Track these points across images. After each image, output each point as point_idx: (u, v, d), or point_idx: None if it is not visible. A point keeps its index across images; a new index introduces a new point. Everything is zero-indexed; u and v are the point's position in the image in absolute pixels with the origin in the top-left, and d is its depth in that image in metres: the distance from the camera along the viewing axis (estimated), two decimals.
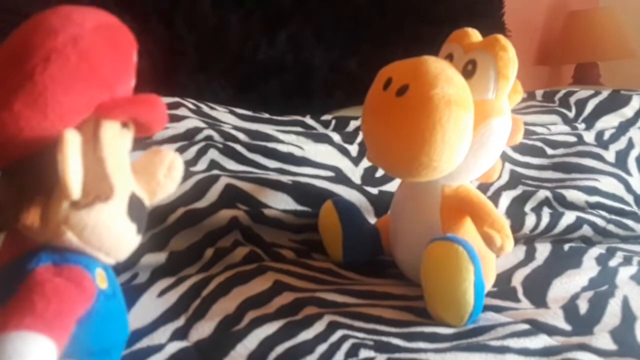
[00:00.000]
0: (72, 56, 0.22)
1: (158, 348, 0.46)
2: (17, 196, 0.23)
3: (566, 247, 0.75)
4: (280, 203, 0.72)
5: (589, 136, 0.99)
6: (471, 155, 0.54)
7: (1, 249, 0.25)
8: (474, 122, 0.53)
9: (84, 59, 0.23)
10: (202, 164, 0.73)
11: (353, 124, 0.91)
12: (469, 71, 0.56)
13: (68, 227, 0.23)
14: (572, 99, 1.08)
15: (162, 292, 0.56)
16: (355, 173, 0.81)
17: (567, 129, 1.00)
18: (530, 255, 0.72)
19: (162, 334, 0.49)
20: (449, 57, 0.59)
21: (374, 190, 0.78)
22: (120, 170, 0.25)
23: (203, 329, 0.50)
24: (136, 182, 0.27)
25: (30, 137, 0.22)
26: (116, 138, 0.25)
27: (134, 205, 0.25)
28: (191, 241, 0.65)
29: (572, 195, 0.84)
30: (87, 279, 0.24)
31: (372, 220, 0.74)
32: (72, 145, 0.21)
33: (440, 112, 0.50)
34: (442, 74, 0.51)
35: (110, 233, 0.24)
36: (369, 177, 0.82)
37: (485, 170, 0.59)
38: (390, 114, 0.52)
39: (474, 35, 0.59)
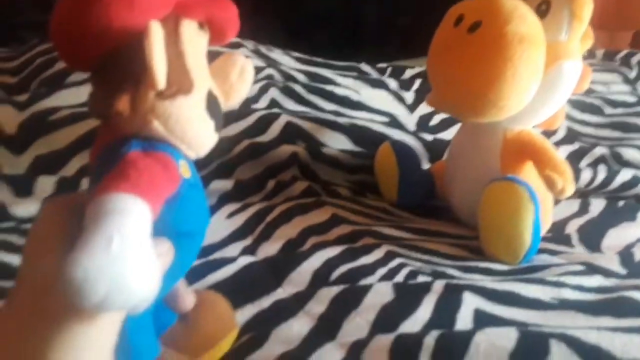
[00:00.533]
0: None
1: (230, 260, 0.49)
2: (109, 88, 0.25)
3: (620, 203, 0.75)
4: (337, 143, 0.73)
5: None
6: (538, 97, 0.54)
7: (97, 139, 0.27)
8: (545, 63, 0.52)
9: None
10: (263, 102, 0.75)
11: (409, 72, 0.91)
12: (542, 11, 0.55)
13: (154, 116, 0.24)
14: (634, 60, 1.05)
15: (230, 215, 0.59)
16: (409, 120, 0.82)
17: (627, 88, 0.98)
18: (584, 208, 0.71)
19: (232, 249, 0.52)
20: None
21: (428, 137, 0.79)
22: (199, 68, 0.26)
23: (269, 249, 0.53)
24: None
25: (119, 29, 0.23)
26: (194, 36, 0.26)
27: (212, 102, 0.26)
28: (255, 172, 0.67)
29: (628, 153, 0.82)
30: (173, 164, 0.25)
31: (426, 166, 0.75)
32: (157, 35, 0.23)
33: (513, 49, 0.50)
34: (516, 11, 0.51)
35: (192, 125, 0.25)
36: (423, 124, 0.82)
37: (550, 115, 0.59)
38: (461, 50, 0.52)
39: None
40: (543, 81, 0.54)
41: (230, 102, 0.30)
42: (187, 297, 0.32)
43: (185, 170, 0.26)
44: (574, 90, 0.59)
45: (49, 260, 0.22)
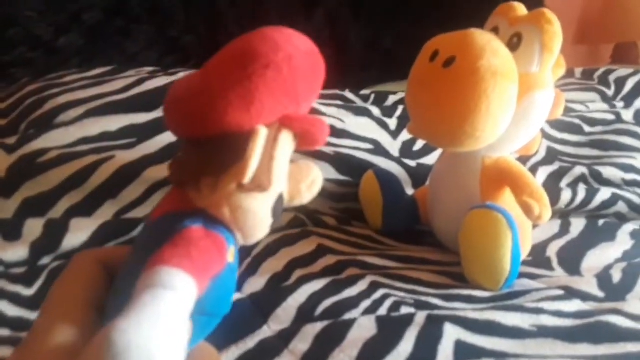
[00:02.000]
0: (284, 70, 0.27)
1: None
2: (200, 163, 0.27)
3: (601, 222, 0.76)
4: (322, 172, 0.74)
5: (628, 114, 0.99)
6: (513, 127, 0.56)
7: (163, 202, 0.29)
8: (518, 94, 0.54)
9: (291, 75, 0.27)
10: None
11: (392, 99, 0.93)
12: (514, 44, 0.57)
13: (227, 203, 0.27)
14: (612, 77, 1.08)
15: None
16: (393, 146, 0.83)
17: (605, 106, 1.00)
18: (565, 229, 0.73)
19: None
20: (495, 30, 0.60)
21: (411, 163, 0.81)
22: (282, 172, 0.28)
23: (255, 284, 0.54)
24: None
25: (231, 122, 0.26)
26: (287, 144, 0.29)
27: (278, 204, 0.29)
28: None
29: (608, 172, 0.85)
30: (225, 248, 0.27)
31: (410, 191, 0.77)
32: (262, 140, 0.26)
33: (486, 83, 0.52)
34: (489, 45, 0.53)
35: (255, 219, 0.27)
36: (406, 150, 0.84)
37: (526, 142, 0.61)
38: (436, 84, 0.54)
39: (520, 8, 0.60)
40: (517, 111, 0.56)
41: (291, 204, 0.32)
42: None
43: (231, 255, 0.28)
44: (548, 117, 0.61)
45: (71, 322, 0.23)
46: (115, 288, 0.27)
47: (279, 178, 0.28)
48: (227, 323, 0.43)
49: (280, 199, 0.29)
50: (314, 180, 0.33)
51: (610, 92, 1.04)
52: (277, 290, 0.52)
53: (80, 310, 0.24)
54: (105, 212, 0.64)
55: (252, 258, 0.59)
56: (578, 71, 1.12)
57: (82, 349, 0.22)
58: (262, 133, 0.26)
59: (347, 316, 0.48)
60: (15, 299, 0.51)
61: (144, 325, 0.20)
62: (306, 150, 0.31)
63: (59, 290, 0.25)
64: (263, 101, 0.27)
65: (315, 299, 0.51)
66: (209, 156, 0.27)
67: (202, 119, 0.27)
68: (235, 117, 0.26)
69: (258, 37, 0.28)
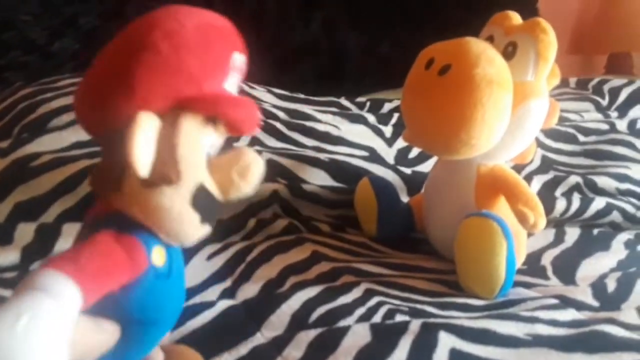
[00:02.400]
0: (164, 49, 0.25)
1: (210, 304, 0.50)
2: (104, 164, 0.26)
3: (595, 231, 0.76)
4: (317, 179, 0.75)
5: (622, 124, 1.00)
6: (508, 135, 0.56)
7: (94, 207, 0.28)
8: (513, 103, 0.55)
9: (174, 53, 0.25)
10: (244, 140, 0.76)
11: (387, 106, 0.93)
12: (509, 53, 0.57)
13: (135, 201, 0.25)
14: (606, 87, 1.09)
15: (211, 256, 0.60)
16: (389, 153, 0.83)
17: (599, 116, 1.01)
18: (559, 238, 0.73)
19: (212, 293, 0.52)
20: (490, 39, 0.60)
21: (407, 170, 0.81)
22: (192, 160, 0.26)
23: (249, 290, 0.54)
24: (211, 175, 0.28)
25: (118, 113, 0.24)
26: (195, 130, 0.26)
27: (200, 196, 0.26)
28: (235, 211, 0.68)
29: (602, 181, 0.85)
30: (140, 253, 0.25)
31: (405, 199, 0.77)
32: (142, 127, 0.23)
33: (481, 92, 0.52)
34: (484, 54, 0.53)
35: (170, 216, 0.25)
36: (402, 157, 0.84)
37: (521, 151, 0.61)
38: (431, 92, 0.54)
39: (515, 17, 0.60)
40: (512, 119, 0.56)
41: (228, 197, 0.29)
42: (156, 356, 0.32)
43: (159, 257, 0.26)
44: (543, 126, 0.61)
45: None
46: None
47: (190, 167, 0.25)
48: (220, 329, 0.43)
49: (200, 189, 0.26)
50: (247, 166, 0.29)
51: (604, 102, 1.05)
52: (270, 297, 0.52)
53: None
54: None
55: (245, 264, 0.59)
56: (572, 81, 1.13)
57: None
58: (141, 119, 0.24)
59: (342, 323, 0.47)
60: None
61: (3, 324, 0.19)
62: (236, 136, 0.28)
63: None
64: (145, 86, 0.24)
65: (309, 305, 0.50)
66: (109, 153, 0.26)
67: (93, 113, 0.25)
68: (121, 107, 0.24)
69: (140, 20, 0.26)
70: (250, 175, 0.29)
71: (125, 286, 0.25)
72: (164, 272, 0.27)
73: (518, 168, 0.84)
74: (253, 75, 1.03)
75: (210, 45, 0.26)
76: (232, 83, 0.28)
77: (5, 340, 0.19)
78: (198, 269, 0.56)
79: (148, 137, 0.24)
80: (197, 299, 0.51)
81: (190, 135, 0.26)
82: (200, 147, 0.27)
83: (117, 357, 0.24)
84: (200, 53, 0.26)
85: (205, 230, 0.28)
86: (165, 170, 0.24)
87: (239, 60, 0.28)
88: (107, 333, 0.25)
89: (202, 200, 0.26)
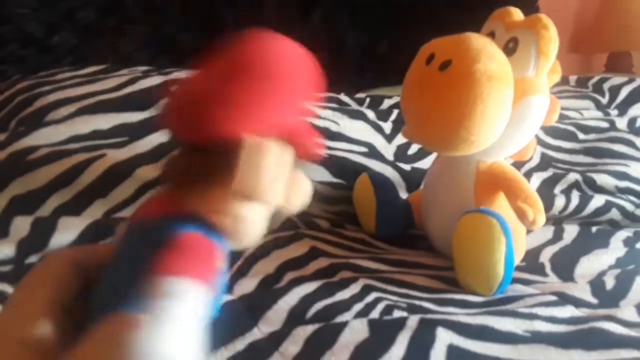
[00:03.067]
0: (283, 83, 0.27)
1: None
2: (200, 167, 0.27)
3: (594, 229, 0.76)
4: (316, 175, 0.74)
5: (622, 122, 0.99)
6: (508, 132, 0.56)
7: (153, 204, 0.28)
8: (513, 99, 0.54)
9: (286, 86, 0.27)
10: None
11: (387, 102, 0.93)
12: (510, 49, 0.57)
13: (226, 211, 0.26)
14: (606, 85, 1.08)
15: None
16: (388, 150, 0.83)
17: (599, 114, 1.00)
18: (558, 235, 0.73)
19: None
20: (491, 35, 0.60)
21: (406, 167, 0.80)
22: (277, 182, 0.28)
23: (246, 285, 0.53)
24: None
25: (231, 130, 0.26)
26: (280, 154, 0.29)
27: (276, 213, 0.29)
28: None
29: (602, 179, 0.85)
30: (220, 256, 0.27)
31: (404, 195, 0.76)
32: (254, 150, 0.25)
33: (482, 87, 0.51)
34: (484, 50, 0.53)
35: (251, 228, 0.27)
36: (401, 154, 0.83)
37: (521, 148, 0.61)
38: (432, 88, 0.54)
39: (516, 13, 0.60)
40: (512, 116, 0.55)
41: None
42: None
43: (221, 260, 0.28)
44: (543, 122, 0.61)
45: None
46: (100, 289, 0.27)
47: (274, 188, 0.28)
48: (217, 325, 0.43)
49: (277, 209, 0.29)
50: (304, 192, 0.33)
51: (604, 100, 1.05)
52: (268, 292, 0.52)
53: (42, 307, 0.23)
54: (95, 211, 0.63)
55: (243, 259, 0.59)
56: (572, 79, 1.12)
57: (45, 346, 0.22)
58: (270, 147, 0.26)
59: (339, 319, 0.47)
60: (1, 298, 0.50)
61: (163, 335, 0.21)
62: (300, 160, 0.30)
63: (22, 287, 0.25)
64: (259, 111, 0.26)
65: (307, 301, 0.50)
66: (211, 163, 0.27)
67: (206, 126, 0.26)
68: (235, 126, 0.26)
69: (256, 46, 0.28)
70: (303, 200, 0.33)
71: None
72: (222, 273, 0.30)
73: (517, 165, 0.84)
74: None
75: (306, 79, 0.29)
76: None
77: (160, 350, 0.20)
78: None
79: (254, 159, 0.26)
80: None
81: (278, 158, 0.28)
82: (283, 170, 0.29)
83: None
84: (300, 88, 0.28)
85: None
86: (257, 189, 0.26)
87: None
88: None
89: (276, 217, 0.29)
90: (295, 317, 0.47)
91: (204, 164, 0.28)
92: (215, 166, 0.26)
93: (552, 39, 0.56)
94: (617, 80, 1.09)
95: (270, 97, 0.27)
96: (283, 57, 0.28)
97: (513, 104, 0.54)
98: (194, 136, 0.28)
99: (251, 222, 0.27)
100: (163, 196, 0.28)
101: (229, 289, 0.53)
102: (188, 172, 0.27)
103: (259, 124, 0.27)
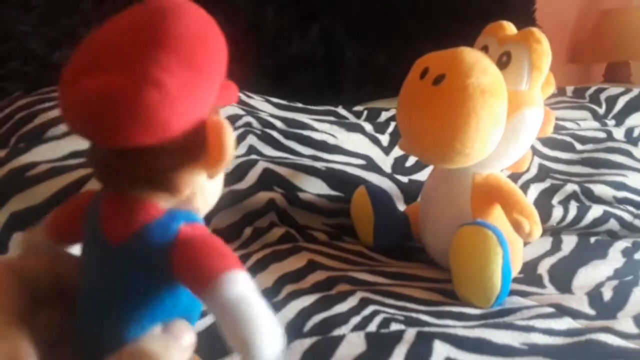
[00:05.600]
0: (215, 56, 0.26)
1: (204, 314, 0.49)
2: (163, 162, 0.25)
3: (592, 239, 0.76)
4: (314, 188, 0.75)
5: (619, 133, 1.00)
6: (503, 144, 0.56)
7: (120, 216, 0.25)
8: (507, 112, 0.55)
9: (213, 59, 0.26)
10: (241, 149, 0.77)
11: (384, 115, 0.94)
12: (503, 62, 0.58)
13: (199, 192, 0.26)
14: (603, 96, 1.09)
15: None
16: (386, 162, 0.84)
17: (596, 124, 1.01)
18: (556, 246, 0.73)
19: None
20: (484, 49, 0.61)
21: (404, 179, 0.81)
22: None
23: None
24: None
25: (186, 120, 0.24)
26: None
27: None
28: (231, 220, 0.68)
29: (599, 189, 0.85)
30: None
31: (402, 207, 0.77)
32: (229, 129, 0.25)
33: (475, 101, 0.52)
34: (478, 64, 0.53)
35: (215, 197, 0.28)
36: (399, 166, 0.84)
37: (516, 160, 0.61)
38: (426, 102, 0.55)
39: (509, 28, 0.61)
40: (507, 128, 0.56)
41: None
42: None
43: None
44: (538, 134, 0.62)
45: None
46: (88, 311, 0.26)
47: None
48: (213, 338, 0.43)
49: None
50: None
51: (601, 111, 1.05)
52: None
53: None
54: None
55: None
56: (569, 89, 1.13)
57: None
58: (224, 123, 0.25)
59: (336, 332, 0.47)
60: None
61: (269, 334, 0.22)
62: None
63: None
64: (201, 94, 0.24)
65: (305, 314, 0.50)
66: (172, 151, 0.26)
67: (154, 123, 0.23)
68: (185, 115, 0.24)
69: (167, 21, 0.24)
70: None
71: None
72: None
73: (515, 176, 0.84)
74: (251, 85, 1.04)
75: (217, 44, 0.26)
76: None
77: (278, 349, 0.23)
78: None
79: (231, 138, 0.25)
80: None
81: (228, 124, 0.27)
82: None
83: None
84: (219, 54, 0.26)
85: None
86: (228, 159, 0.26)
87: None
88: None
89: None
90: (293, 331, 0.47)
91: (168, 155, 0.26)
92: (181, 154, 0.25)
93: (544, 53, 0.57)
94: (614, 90, 1.10)
95: (202, 75, 0.24)
96: (194, 27, 0.24)
97: (507, 117, 0.55)
98: (140, 137, 0.23)
99: (218, 191, 0.28)
100: (127, 205, 0.26)
101: None
102: (144, 170, 0.26)
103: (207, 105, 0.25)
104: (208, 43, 0.25)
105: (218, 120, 0.25)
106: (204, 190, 0.26)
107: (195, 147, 0.25)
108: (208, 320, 0.45)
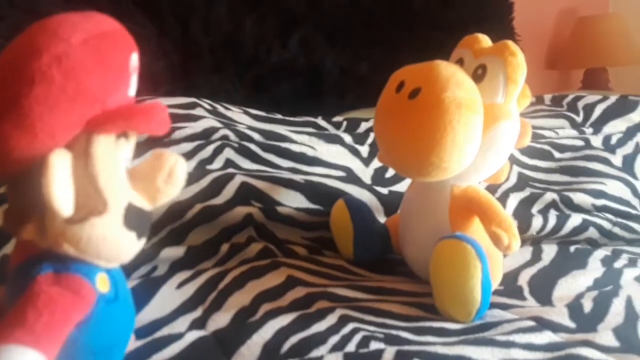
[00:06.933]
0: (57, 76, 0.22)
1: (178, 336, 0.48)
2: (19, 209, 0.24)
3: (572, 248, 0.77)
4: (293, 201, 0.74)
5: (597, 140, 1.01)
6: (480, 157, 0.56)
7: (13, 251, 0.26)
8: (484, 125, 0.55)
9: (69, 78, 0.23)
10: (218, 163, 0.76)
11: (364, 126, 0.93)
12: (479, 75, 0.57)
13: (65, 240, 0.24)
14: (580, 104, 1.10)
15: (181, 284, 0.58)
16: (365, 173, 0.83)
17: (574, 133, 1.02)
18: (536, 256, 0.73)
19: (181, 324, 0.51)
20: (460, 62, 0.60)
21: (383, 190, 0.80)
22: (115, 183, 0.25)
23: (220, 320, 0.52)
24: (135, 189, 0.27)
25: (22, 156, 0.22)
26: (110, 151, 0.25)
27: (132, 215, 0.25)
28: (208, 236, 0.67)
29: (579, 198, 0.85)
30: (86, 287, 0.25)
31: (382, 219, 0.76)
32: (56, 168, 0.22)
33: (451, 115, 0.52)
34: (453, 77, 0.53)
35: (106, 243, 0.25)
36: (379, 177, 0.83)
37: (494, 172, 0.61)
38: (402, 115, 0.54)
39: (484, 40, 0.61)
40: (483, 141, 0.56)
41: (158, 203, 0.29)
42: None
43: (103, 285, 0.26)
44: (516, 146, 0.62)
45: None
46: None
47: (115, 191, 0.25)
48: None
49: (130, 209, 0.26)
50: (171, 170, 0.28)
51: (579, 119, 1.06)
52: (242, 327, 0.51)
53: None
54: None
55: (217, 292, 0.58)
56: (547, 98, 1.14)
57: None
58: (53, 160, 0.22)
59: (315, 353, 0.46)
60: None
61: None
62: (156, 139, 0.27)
63: None
64: (46, 119, 0.23)
65: (282, 335, 0.49)
66: (24, 196, 0.24)
67: None
68: (22, 148, 0.22)
69: (17, 46, 0.23)
70: (175, 179, 0.29)
71: (78, 324, 0.24)
72: (112, 296, 0.27)
73: (495, 186, 0.84)
74: (230, 95, 1.03)
75: (105, 59, 0.24)
76: (133, 84, 0.27)
77: None
78: (167, 299, 0.55)
79: (64, 176, 0.23)
80: (165, 331, 0.49)
81: (106, 159, 0.25)
82: (119, 167, 0.26)
83: None
84: (97, 70, 0.24)
85: (142, 243, 0.27)
86: (90, 203, 0.23)
87: (135, 59, 0.26)
88: None
89: (134, 218, 0.26)
90: (270, 353, 0.46)
91: (22, 198, 0.24)
92: (32, 196, 0.23)
93: (519, 65, 0.57)
94: (591, 98, 1.11)
95: (50, 101, 0.22)
96: (52, 48, 0.23)
97: (484, 130, 0.55)
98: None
99: (102, 239, 0.25)
100: (18, 242, 0.26)
101: (202, 324, 0.51)
102: (12, 214, 0.25)
103: (63, 132, 0.23)
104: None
105: (45, 159, 0.23)
106: (75, 239, 0.24)
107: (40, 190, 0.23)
108: (173, 351, 0.44)
